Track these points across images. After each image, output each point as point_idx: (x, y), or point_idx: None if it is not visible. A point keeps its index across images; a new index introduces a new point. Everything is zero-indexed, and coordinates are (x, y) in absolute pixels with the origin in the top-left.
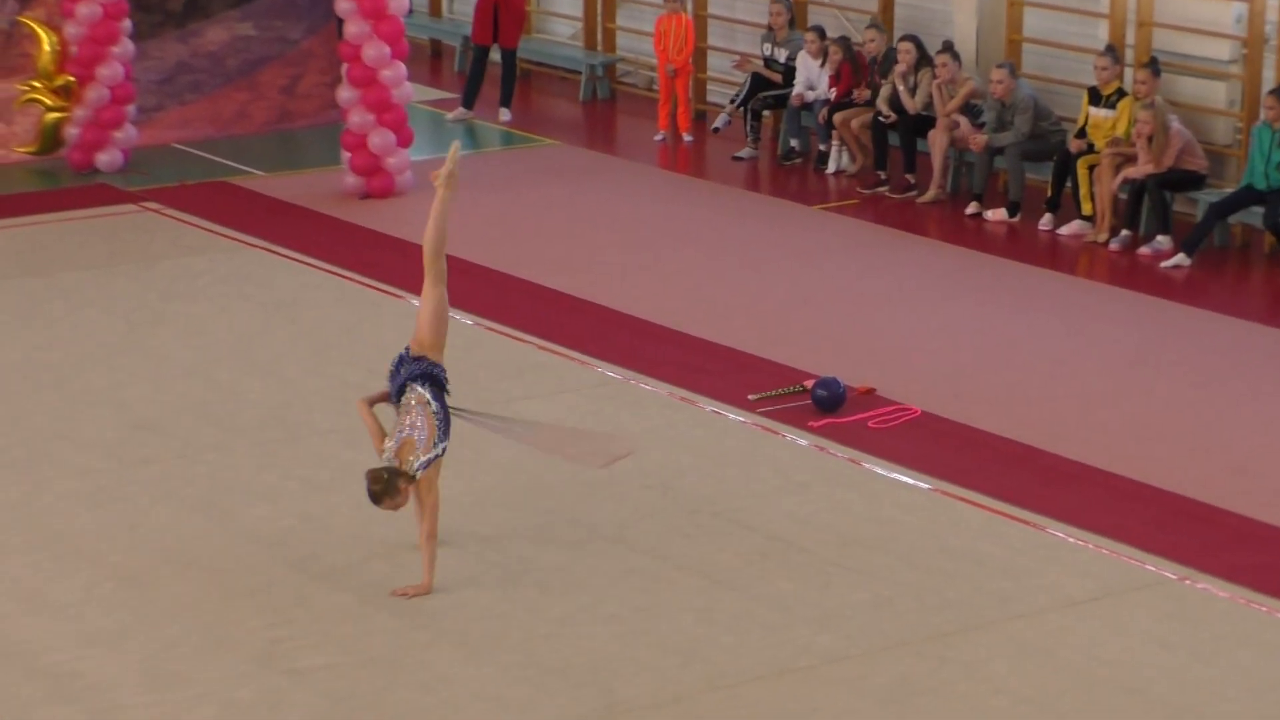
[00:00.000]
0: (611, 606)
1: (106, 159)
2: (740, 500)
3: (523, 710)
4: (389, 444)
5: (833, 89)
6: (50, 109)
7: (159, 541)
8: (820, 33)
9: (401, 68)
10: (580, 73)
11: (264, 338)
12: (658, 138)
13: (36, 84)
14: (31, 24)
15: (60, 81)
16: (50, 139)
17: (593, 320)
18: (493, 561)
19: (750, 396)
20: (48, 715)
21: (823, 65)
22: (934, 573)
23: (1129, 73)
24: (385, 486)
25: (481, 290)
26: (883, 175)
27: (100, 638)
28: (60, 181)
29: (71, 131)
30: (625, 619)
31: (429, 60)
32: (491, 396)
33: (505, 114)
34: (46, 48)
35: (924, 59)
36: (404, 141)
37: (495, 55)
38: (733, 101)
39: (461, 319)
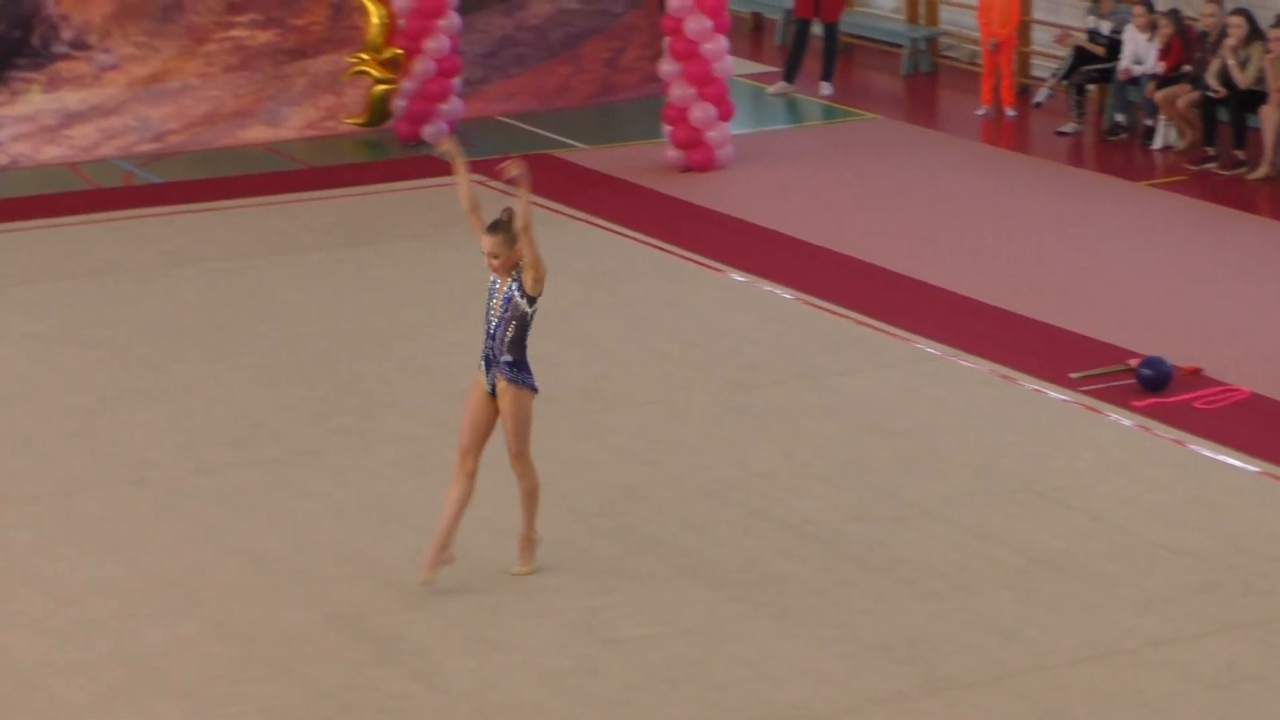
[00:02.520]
0: (931, 583)
1: (432, 130)
2: (1061, 480)
3: (841, 684)
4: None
5: (1160, 63)
6: (378, 81)
7: (478, 509)
8: (1148, 5)
9: (723, 41)
10: (902, 46)
11: (584, 309)
12: (980, 112)
13: (365, 56)
14: None
15: (388, 54)
16: (378, 110)
17: (912, 295)
18: (811, 536)
19: (1072, 375)
20: (374, 675)
21: (1150, 39)
22: (1261, 557)
23: None
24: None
25: (801, 265)
26: (1211, 151)
27: (424, 602)
28: (387, 152)
29: (399, 103)
30: (944, 596)
31: (750, 34)
32: (810, 370)
33: (826, 88)
34: (375, 21)
35: (1255, 33)
36: (725, 115)
37: (817, 29)
38: (1056, 75)
39: (781, 294)
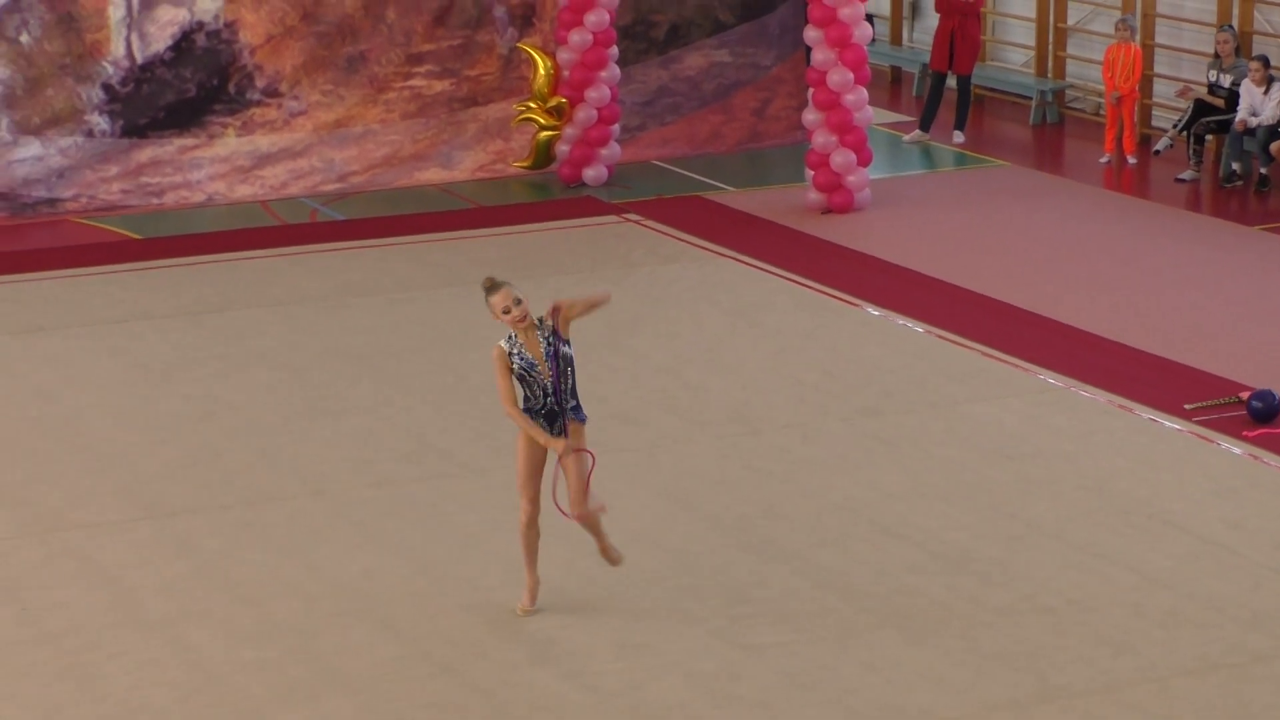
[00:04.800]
0: (1048, 598)
1: (593, 174)
2: (1173, 503)
3: (963, 691)
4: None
5: (1276, 114)
6: (543, 127)
7: (631, 523)
8: (1265, 62)
9: (863, 92)
10: (1031, 98)
11: (728, 339)
12: (1103, 160)
13: (532, 104)
14: (529, 50)
15: (553, 103)
16: (543, 155)
17: (1036, 330)
18: (935, 552)
19: (1186, 406)
20: (530, 675)
21: (1266, 92)
22: None
23: None
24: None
25: (932, 300)
26: None
27: (577, 608)
28: (551, 193)
29: (562, 148)
30: (1061, 611)
31: (889, 85)
32: (938, 398)
33: (959, 136)
34: (542, 71)
35: None
36: (864, 161)
37: (951, 81)
38: (1176, 126)
39: (913, 327)
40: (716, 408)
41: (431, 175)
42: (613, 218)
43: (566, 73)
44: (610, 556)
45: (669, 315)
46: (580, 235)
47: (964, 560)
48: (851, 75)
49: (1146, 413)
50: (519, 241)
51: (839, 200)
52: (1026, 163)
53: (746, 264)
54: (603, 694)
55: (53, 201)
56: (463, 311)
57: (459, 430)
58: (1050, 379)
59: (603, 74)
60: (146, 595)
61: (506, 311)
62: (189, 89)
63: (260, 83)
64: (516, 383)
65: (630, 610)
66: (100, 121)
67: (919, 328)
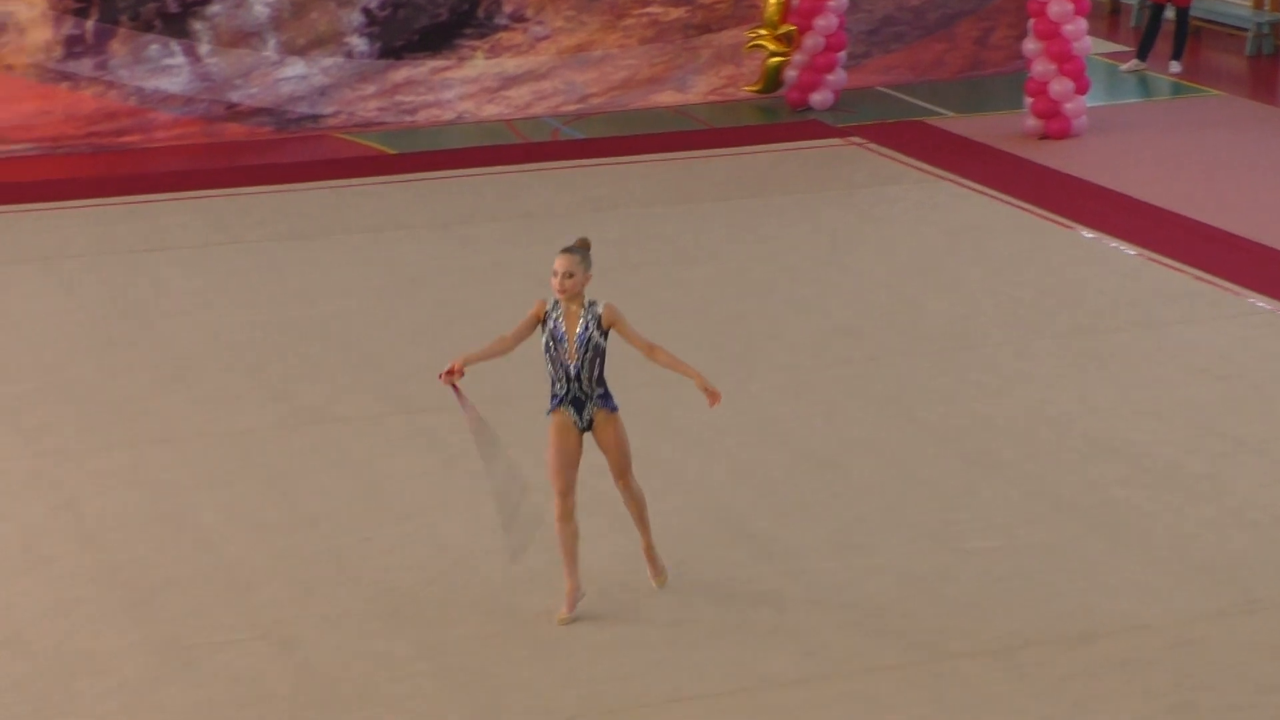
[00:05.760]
0: (1254, 513)
1: (819, 98)
2: None
3: (1167, 600)
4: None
5: None
6: (773, 54)
7: (849, 431)
8: None
9: (1083, 22)
10: (1247, 30)
11: (946, 258)
12: None
13: (762, 32)
14: None
15: (783, 30)
16: (772, 80)
17: (1248, 255)
18: (1144, 467)
19: None
20: (752, 572)
21: None
22: None
23: None
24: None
25: (1145, 224)
26: None
27: (796, 510)
28: (778, 117)
29: (790, 74)
30: (1265, 525)
31: (1106, 16)
32: (1149, 319)
33: (1175, 66)
34: (773, 1)
35: None
36: (1081, 89)
37: (1169, 13)
38: None
39: (1126, 250)
40: (934, 323)
41: (666, 98)
42: (836, 141)
43: (796, 1)
44: (654, 565)
45: (889, 234)
46: (805, 156)
47: (1171, 474)
48: (1071, 6)
49: None
50: (748, 162)
51: (1056, 127)
52: (1241, 92)
53: (965, 187)
54: (821, 590)
55: (315, 118)
56: (693, 226)
57: (686, 340)
58: (1261, 303)
59: (831, 2)
60: (397, 485)
61: (555, 274)
62: (441, 14)
63: (508, 8)
64: (544, 355)
65: (846, 514)
66: (359, 43)
67: (1131, 250)
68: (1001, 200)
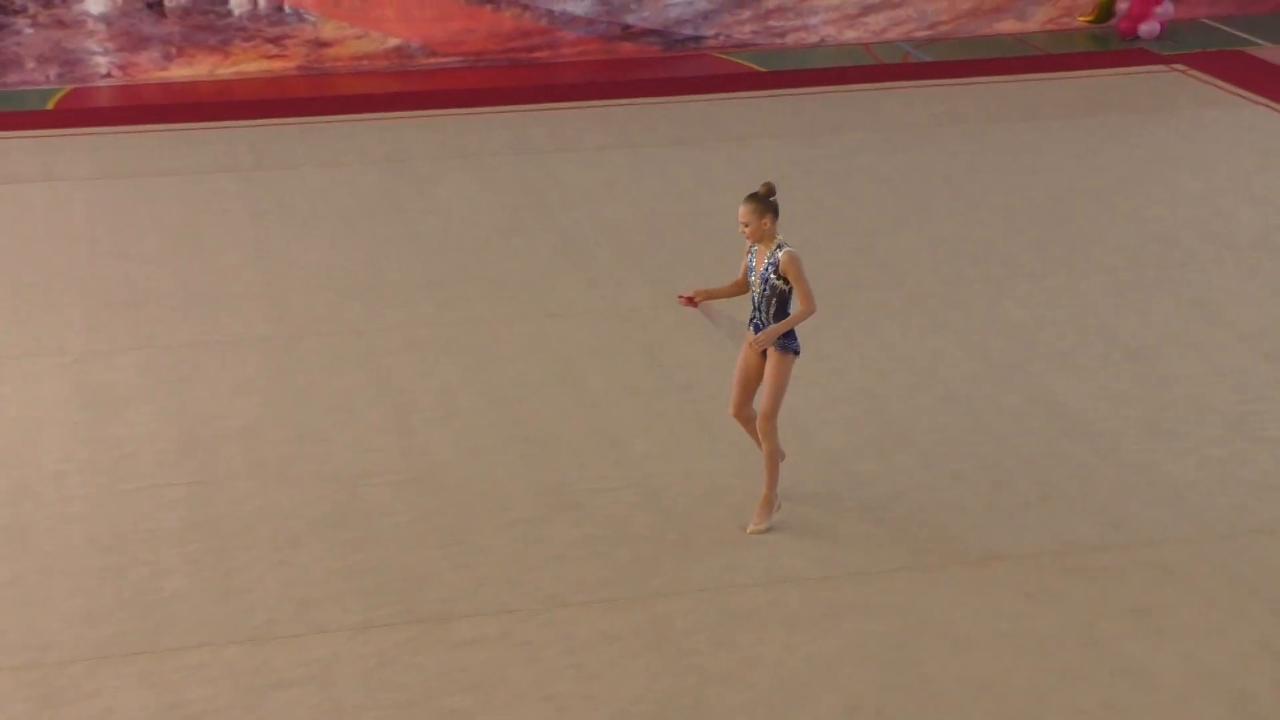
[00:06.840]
0: None
1: (1147, 28)
2: None
3: None
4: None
5: None
6: None
7: (1160, 327)
8: None
9: None
10: None
11: (1259, 174)
12: None
13: None
14: None
15: None
16: (1105, 11)
17: None
18: None
19: None
20: (1064, 448)
21: None
22: None
23: None
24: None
25: None
26: None
27: (1108, 396)
28: (1109, 45)
29: (1122, 5)
30: None
31: None
32: None
33: None
34: None
35: None
36: None
37: None
38: None
39: None
40: (1243, 233)
41: (1008, 25)
42: (1161, 68)
43: None
44: (758, 513)
45: (1205, 152)
46: (1132, 81)
47: None
48: None
49: None
50: (1080, 85)
51: None
52: None
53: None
54: (1130, 469)
55: (697, 39)
56: (1032, 143)
57: (1020, 239)
58: None
59: None
60: (591, 374)
61: (739, 221)
62: None
63: None
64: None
65: (1154, 401)
66: None
67: None
68: None
